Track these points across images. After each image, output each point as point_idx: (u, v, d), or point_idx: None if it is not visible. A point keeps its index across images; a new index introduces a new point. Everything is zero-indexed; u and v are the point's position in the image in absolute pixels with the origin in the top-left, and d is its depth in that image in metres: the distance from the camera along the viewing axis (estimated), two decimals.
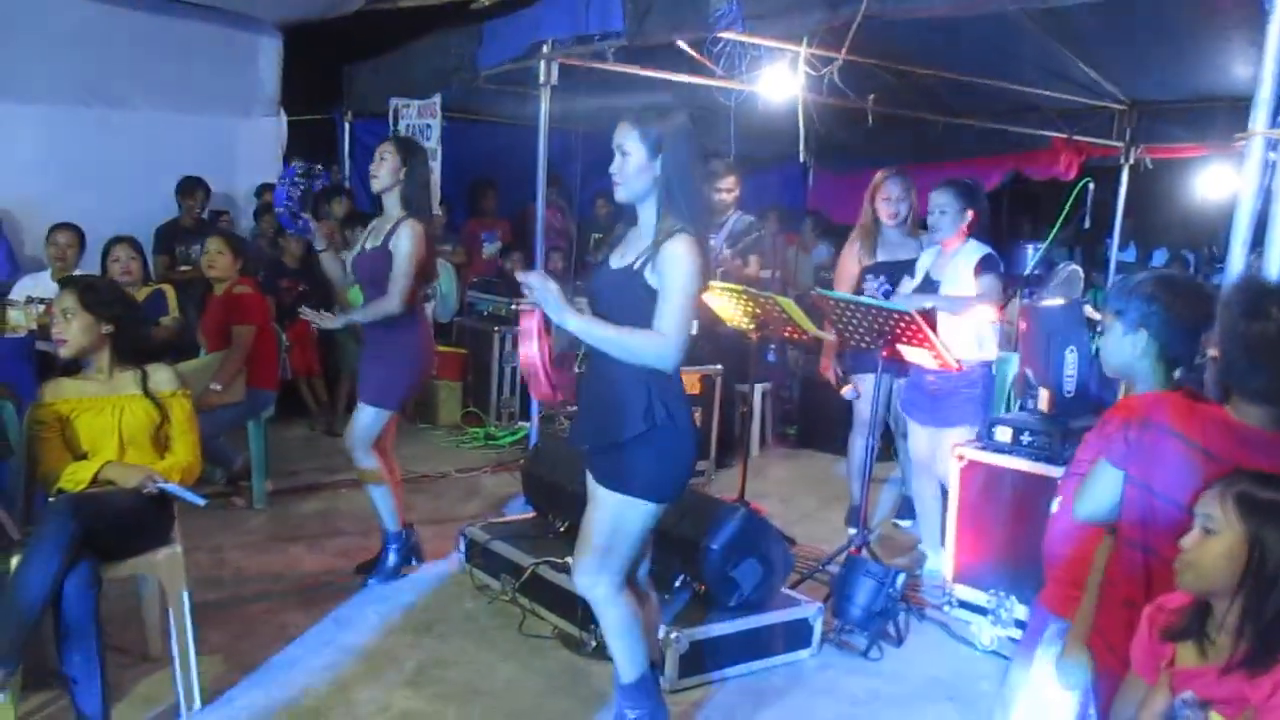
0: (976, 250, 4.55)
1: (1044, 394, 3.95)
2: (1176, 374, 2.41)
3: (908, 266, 4.85)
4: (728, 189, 6.16)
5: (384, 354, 4.27)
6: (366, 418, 4.26)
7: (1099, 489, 2.28)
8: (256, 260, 6.04)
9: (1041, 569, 2.62)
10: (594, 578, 2.85)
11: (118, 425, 3.30)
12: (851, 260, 5.22)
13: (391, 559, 4.41)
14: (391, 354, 4.26)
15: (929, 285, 4.62)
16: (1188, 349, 2.43)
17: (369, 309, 4.25)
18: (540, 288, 2.69)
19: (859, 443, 5.12)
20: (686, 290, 2.67)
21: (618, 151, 2.75)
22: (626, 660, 2.93)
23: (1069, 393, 3.87)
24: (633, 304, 2.72)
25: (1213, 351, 2.43)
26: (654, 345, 2.68)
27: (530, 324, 3.03)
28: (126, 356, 3.39)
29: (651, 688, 2.99)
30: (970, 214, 4.56)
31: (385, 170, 4.22)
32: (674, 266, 2.66)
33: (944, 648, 4.10)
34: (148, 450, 3.34)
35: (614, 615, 2.88)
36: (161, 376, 3.42)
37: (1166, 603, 1.85)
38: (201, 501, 3.38)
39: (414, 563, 4.53)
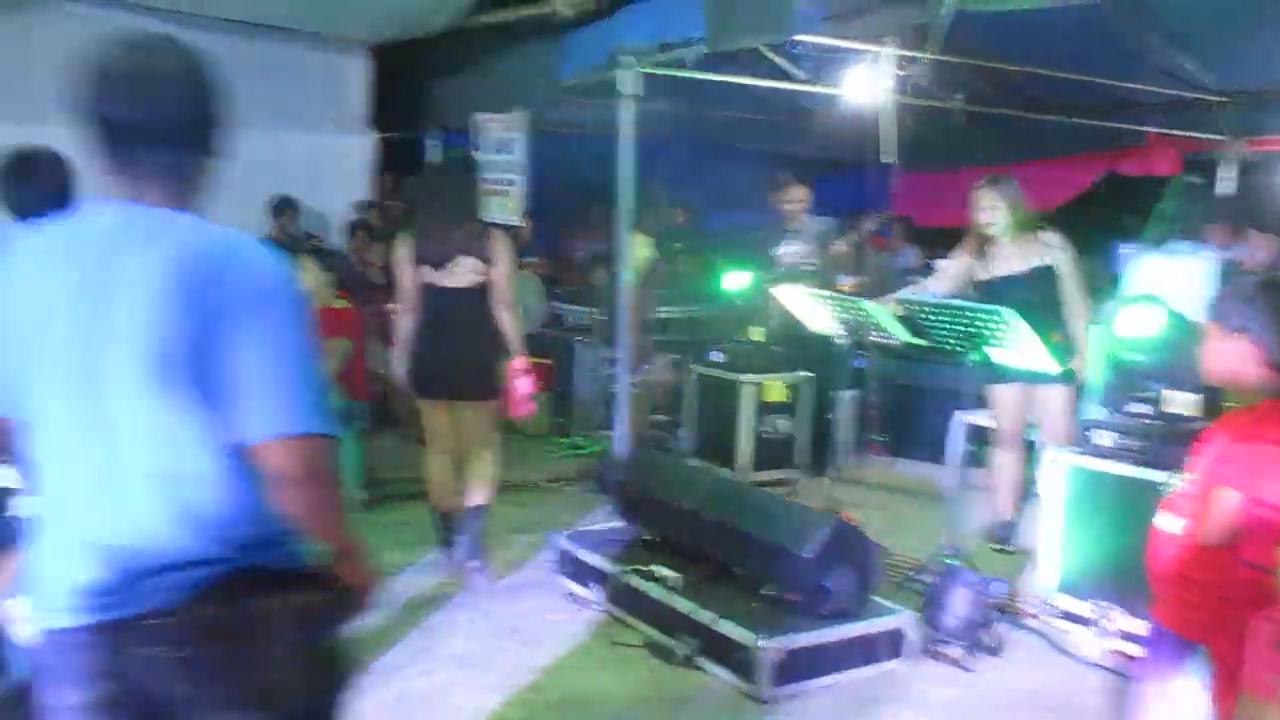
0: None
1: (1170, 395, 3.79)
2: None
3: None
4: (799, 199, 6.42)
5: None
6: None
7: (1223, 515, 2.21)
8: (347, 276, 6.18)
9: (1145, 579, 2.53)
10: None
11: None
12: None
13: None
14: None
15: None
16: None
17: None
18: None
19: (1006, 459, 4.94)
20: None
21: None
22: None
23: None
24: None
25: None
26: None
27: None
28: None
29: None
30: None
31: None
32: None
33: (1043, 659, 3.98)
34: None
35: None
36: None
37: (1275, 612, 1.76)
38: None
39: None
